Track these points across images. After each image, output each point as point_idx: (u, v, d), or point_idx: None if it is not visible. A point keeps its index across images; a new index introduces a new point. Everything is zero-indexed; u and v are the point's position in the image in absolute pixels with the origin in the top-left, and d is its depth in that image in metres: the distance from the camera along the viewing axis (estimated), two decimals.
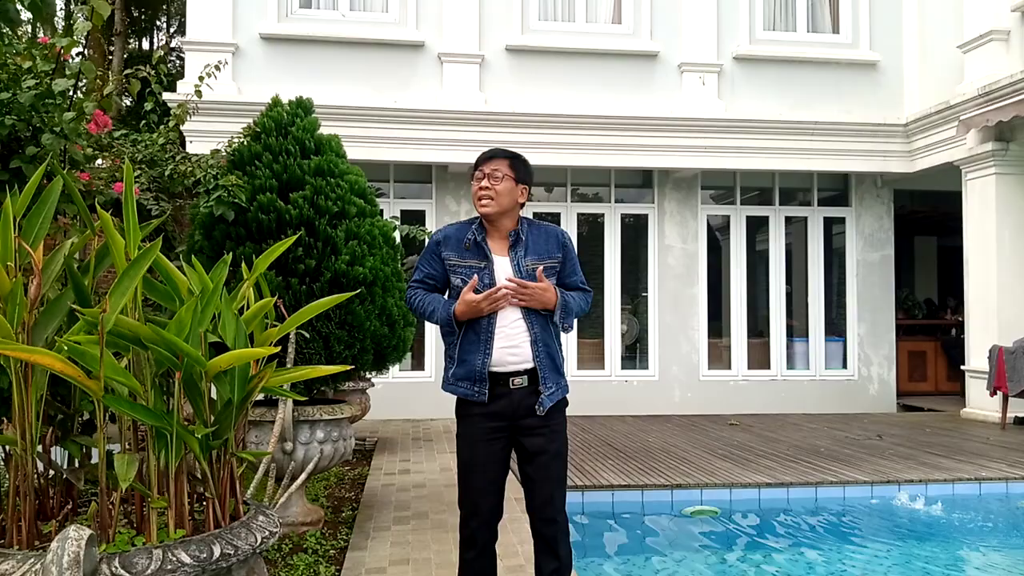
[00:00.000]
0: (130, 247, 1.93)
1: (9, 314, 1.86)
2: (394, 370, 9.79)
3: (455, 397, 2.93)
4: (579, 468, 5.97)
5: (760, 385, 10.49)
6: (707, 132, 9.85)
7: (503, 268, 2.84)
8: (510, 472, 2.97)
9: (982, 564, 4.51)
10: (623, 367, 10.46)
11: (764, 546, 4.77)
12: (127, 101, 17.95)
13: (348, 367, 2.36)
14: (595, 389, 9.90)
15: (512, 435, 2.84)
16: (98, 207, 2.04)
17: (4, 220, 1.95)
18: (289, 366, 3.82)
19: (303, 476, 3.72)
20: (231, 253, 2.42)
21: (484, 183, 2.83)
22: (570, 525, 2.95)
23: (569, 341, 10.00)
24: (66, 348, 1.73)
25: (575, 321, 2.99)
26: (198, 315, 1.95)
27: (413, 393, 9.64)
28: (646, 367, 10.48)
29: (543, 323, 2.83)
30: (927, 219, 12.66)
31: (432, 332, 9.88)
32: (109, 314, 1.76)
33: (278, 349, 2.05)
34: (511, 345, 2.79)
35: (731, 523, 5.17)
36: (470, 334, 2.80)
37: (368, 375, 7.40)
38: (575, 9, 10.15)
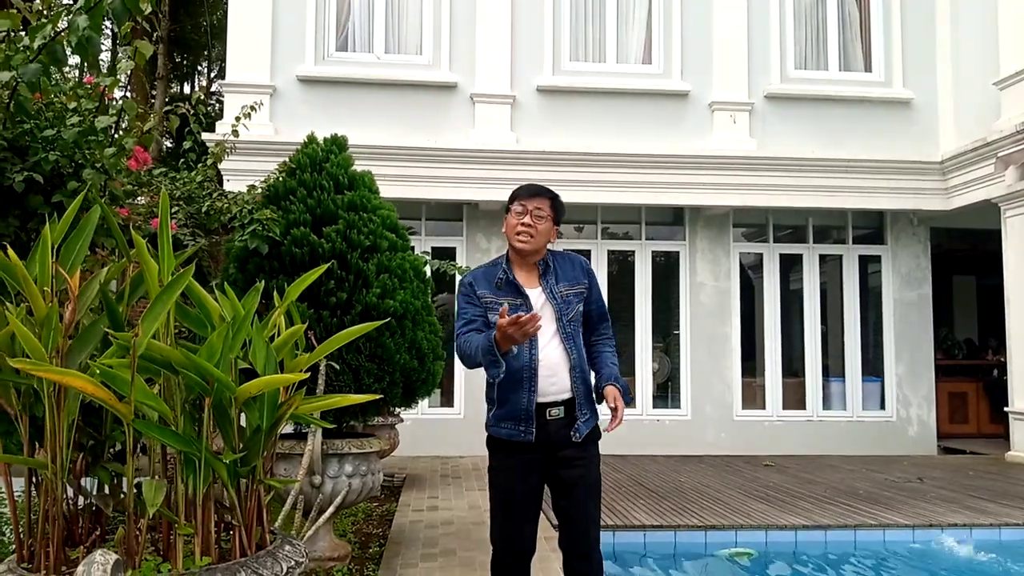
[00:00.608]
0: (164, 273, 1.95)
1: (44, 338, 1.88)
2: (423, 407, 9.77)
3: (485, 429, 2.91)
4: (610, 507, 5.86)
5: (795, 426, 10.28)
6: (739, 170, 9.82)
7: (537, 299, 2.83)
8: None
9: None
10: (655, 406, 10.33)
11: None
12: (168, 143, 18.47)
13: (377, 396, 2.35)
14: (626, 428, 9.68)
15: (547, 467, 2.80)
16: (134, 234, 2.07)
17: (42, 246, 1.99)
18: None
19: (331, 509, 3.69)
20: (263, 282, 2.44)
21: (526, 220, 2.81)
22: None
23: None
24: (98, 372, 1.74)
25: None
26: (229, 341, 1.95)
27: (442, 430, 9.60)
28: (678, 406, 10.33)
29: (580, 345, 2.82)
30: (966, 257, 12.43)
31: (462, 369, 9.86)
32: (141, 338, 1.77)
33: (307, 375, 2.04)
34: (551, 375, 2.76)
35: (767, 566, 5.03)
36: (510, 372, 2.74)
37: (397, 411, 7.40)
38: (606, 50, 10.25)
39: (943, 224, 10.80)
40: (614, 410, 2.78)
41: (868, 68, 10.57)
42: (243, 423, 2.10)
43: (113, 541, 2.03)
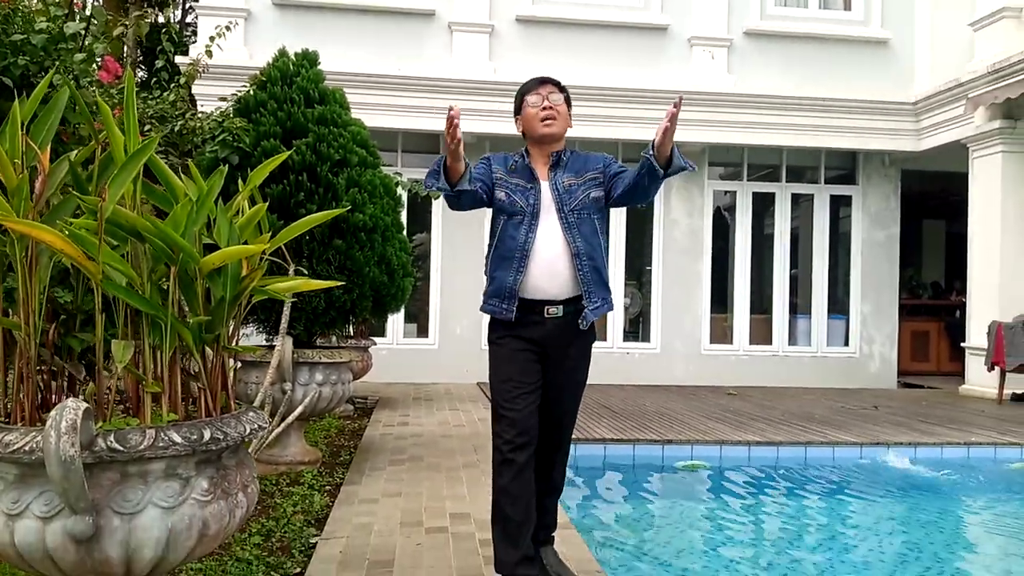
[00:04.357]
0: (130, 144, 2.04)
1: (15, 208, 1.97)
2: (398, 336, 9.95)
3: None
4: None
5: (761, 360, 10.57)
6: (716, 106, 9.88)
7: (544, 192, 2.81)
8: None
9: (965, 514, 4.62)
10: (625, 339, 10.55)
11: (751, 498, 4.88)
12: (141, 73, 18.12)
13: (340, 283, 2.47)
14: (596, 360, 9.77)
15: (542, 358, 2.79)
16: (99, 101, 2.14)
17: (12, 122, 2.06)
18: (288, 303, 3.93)
19: (299, 408, 3.85)
20: (227, 165, 2.52)
21: (546, 103, 2.81)
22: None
23: None
24: (66, 232, 1.84)
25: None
26: (193, 215, 2.05)
27: (417, 359, 9.78)
28: (648, 340, 10.57)
29: (588, 233, 2.77)
30: (936, 202, 12.65)
31: (437, 299, 10.00)
32: (108, 202, 1.87)
33: (267, 246, 2.15)
34: (549, 271, 2.74)
35: (720, 477, 5.28)
36: (501, 249, 2.77)
37: (370, 336, 7.55)
38: None
39: (915, 167, 10.97)
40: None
41: (847, 7, 10.60)
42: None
43: (84, 398, 2.15)
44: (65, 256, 1.83)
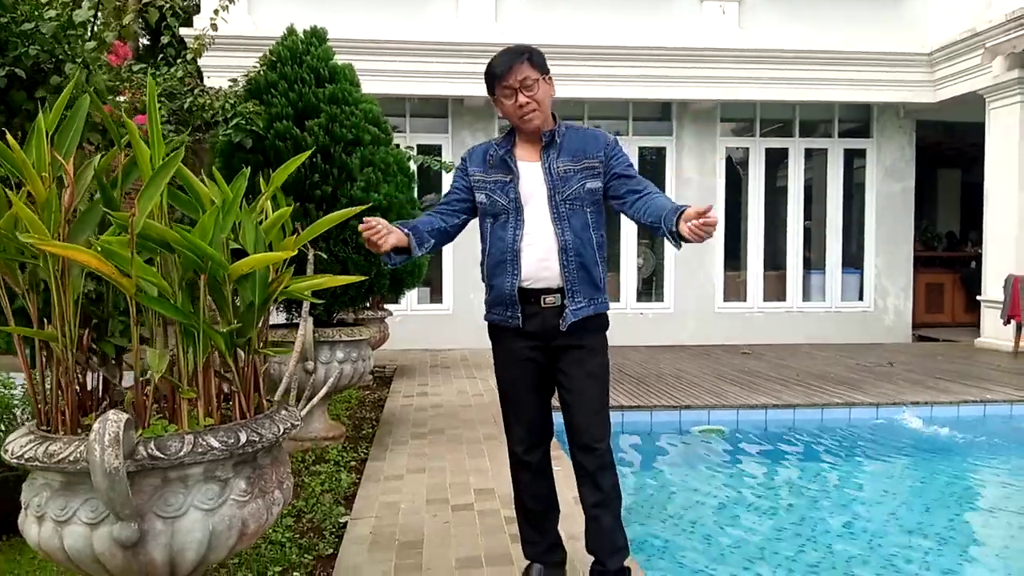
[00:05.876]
0: (155, 158, 2.05)
1: (45, 221, 2.00)
2: (412, 302, 10.01)
3: (479, 320, 2.76)
4: None
5: (775, 316, 10.59)
6: (727, 62, 9.74)
7: (533, 175, 2.61)
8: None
9: (983, 478, 4.67)
10: (638, 300, 10.59)
11: (768, 462, 4.95)
12: (144, 40, 17.97)
13: (363, 278, 2.49)
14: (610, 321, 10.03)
15: (548, 358, 2.64)
16: (125, 119, 2.16)
17: (37, 134, 2.08)
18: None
19: (324, 390, 3.90)
20: (249, 167, 2.53)
21: (522, 97, 2.55)
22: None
23: None
24: (99, 249, 1.87)
25: None
26: (220, 222, 2.08)
27: (432, 325, 9.86)
28: (661, 299, 10.60)
29: (579, 227, 2.57)
30: (952, 151, 12.49)
31: (450, 266, 10.04)
32: (138, 216, 1.89)
33: (295, 252, 2.18)
34: (543, 258, 2.58)
35: (738, 441, 5.35)
36: (494, 253, 2.63)
37: (386, 307, 7.61)
38: None
39: (930, 117, 10.82)
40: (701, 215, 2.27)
41: None
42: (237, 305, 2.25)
43: (122, 407, 2.21)
44: (100, 273, 1.87)
